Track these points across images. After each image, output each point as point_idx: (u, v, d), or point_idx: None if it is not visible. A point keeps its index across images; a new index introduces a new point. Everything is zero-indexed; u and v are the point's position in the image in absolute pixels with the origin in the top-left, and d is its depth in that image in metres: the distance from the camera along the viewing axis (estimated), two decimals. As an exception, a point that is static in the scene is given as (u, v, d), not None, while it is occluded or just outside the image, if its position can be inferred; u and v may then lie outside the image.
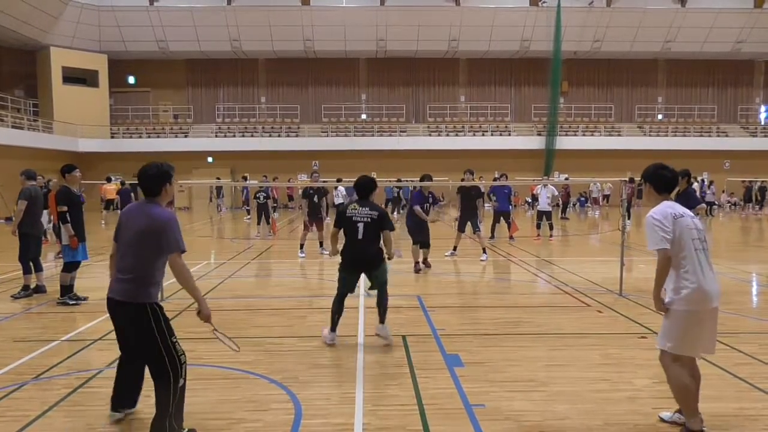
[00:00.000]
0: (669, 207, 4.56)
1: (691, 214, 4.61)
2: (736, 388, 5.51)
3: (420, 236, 12.55)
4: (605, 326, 7.86)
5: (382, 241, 7.06)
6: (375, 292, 7.20)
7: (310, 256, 14.72)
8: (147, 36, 38.13)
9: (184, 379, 4.41)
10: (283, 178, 32.46)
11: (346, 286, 7.10)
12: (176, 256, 4.35)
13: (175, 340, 4.41)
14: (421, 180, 12.41)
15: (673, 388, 4.56)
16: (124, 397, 4.79)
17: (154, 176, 4.48)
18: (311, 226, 14.90)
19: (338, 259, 7.15)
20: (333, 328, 7.01)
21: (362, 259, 6.99)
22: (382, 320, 7.10)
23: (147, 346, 4.33)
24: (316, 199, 14.71)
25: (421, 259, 12.68)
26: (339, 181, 22.55)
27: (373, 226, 6.94)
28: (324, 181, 18.28)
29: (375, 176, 30.67)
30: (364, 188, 7.19)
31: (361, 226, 6.91)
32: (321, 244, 15.16)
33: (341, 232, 7.09)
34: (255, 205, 20.30)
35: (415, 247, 12.52)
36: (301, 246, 15.01)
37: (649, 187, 4.73)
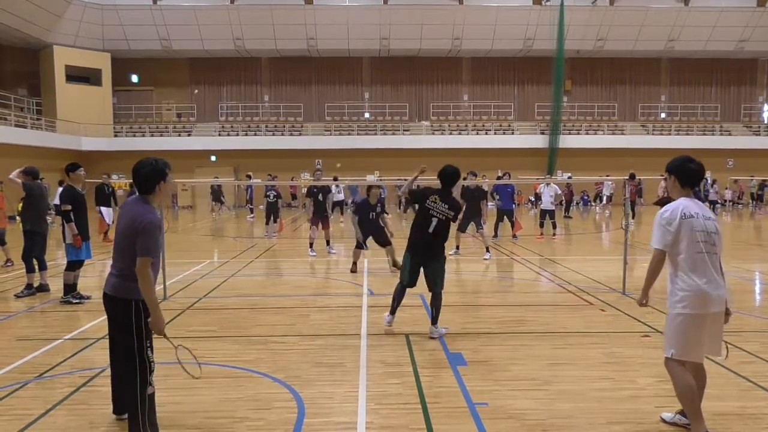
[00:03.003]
0: (683, 205, 4.44)
1: (707, 214, 4.47)
2: (739, 387, 5.50)
3: (359, 234, 12.09)
4: (608, 325, 7.86)
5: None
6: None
7: (319, 255, 14.69)
8: (150, 35, 38.11)
9: (153, 388, 4.35)
10: (286, 176, 32.44)
11: (409, 276, 7.12)
12: (144, 260, 4.18)
13: (149, 345, 4.34)
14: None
15: (678, 393, 4.49)
16: (120, 400, 4.71)
17: (149, 174, 4.37)
18: (317, 225, 14.79)
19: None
20: (392, 311, 7.33)
21: (429, 250, 7.01)
22: (434, 321, 7.17)
23: (123, 343, 4.32)
24: (320, 197, 14.65)
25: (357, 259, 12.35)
26: (335, 179, 22.58)
27: (447, 223, 7.00)
28: (334, 178, 18.27)
29: (378, 175, 30.65)
30: (449, 179, 7.05)
31: (434, 221, 6.92)
32: (328, 243, 15.06)
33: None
34: (265, 204, 20.21)
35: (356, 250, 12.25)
36: (311, 245, 14.87)
37: (674, 180, 4.58)
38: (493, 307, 9.08)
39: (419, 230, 7.02)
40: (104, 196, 18.12)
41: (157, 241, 4.27)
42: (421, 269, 7.15)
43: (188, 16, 37.49)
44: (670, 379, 4.54)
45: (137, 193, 4.45)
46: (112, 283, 4.39)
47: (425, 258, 7.06)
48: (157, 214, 4.42)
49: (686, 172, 4.54)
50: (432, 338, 7.04)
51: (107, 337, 4.67)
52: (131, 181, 18.42)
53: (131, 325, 4.28)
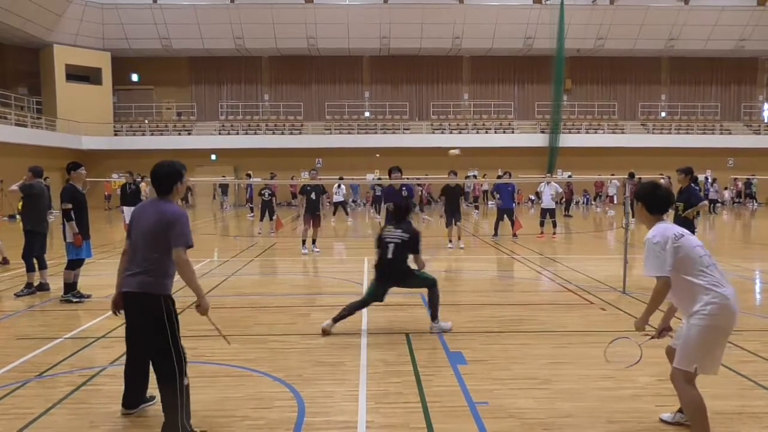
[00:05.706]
0: (668, 228, 4.32)
1: (687, 232, 4.37)
2: (739, 386, 5.50)
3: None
4: (609, 324, 7.85)
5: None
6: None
7: (321, 254, 14.73)
8: (150, 34, 38.11)
9: (188, 378, 4.46)
10: (287, 175, 32.40)
11: (374, 296, 7.46)
12: (181, 250, 4.41)
13: (179, 336, 4.51)
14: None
15: (690, 411, 4.30)
16: (133, 395, 4.87)
17: (166, 175, 4.60)
18: (308, 224, 14.88)
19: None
20: (335, 320, 7.31)
21: (391, 275, 7.41)
22: (433, 317, 7.44)
23: (156, 340, 4.40)
24: (313, 196, 14.74)
25: None
26: (341, 179, 22.63)
27: (403, 247, 7.36)
28: (320, 179, 18.31)
29: (378, 174, 30.75)
30: (402, 211, 7.82)
31: (391, 246, 7.35)
32: (314, 242, 15.15)
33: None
34: (260, 202, 20.31)
35: None
36: (303, 242, 15.04)
37: (641, 206, 4.51)
38: (493, 306, 9.08)
39: (381, 260, 7.46)
40: (126, 195, 17.71)
41: (189, 229, 4.52)
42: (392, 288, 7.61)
43: (188, 15, 37.49)
44: (679, 396, 4.36)
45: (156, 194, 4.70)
46: (137, 281, 4.46)
47: (396, 281, 7.49)
48: (179, 207, 4.65)
49: (654, 199, 4.49)
50: (431, 332, 7.33)
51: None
52: (134, 178, 17.94)
53: (163, 321, 4.41)
